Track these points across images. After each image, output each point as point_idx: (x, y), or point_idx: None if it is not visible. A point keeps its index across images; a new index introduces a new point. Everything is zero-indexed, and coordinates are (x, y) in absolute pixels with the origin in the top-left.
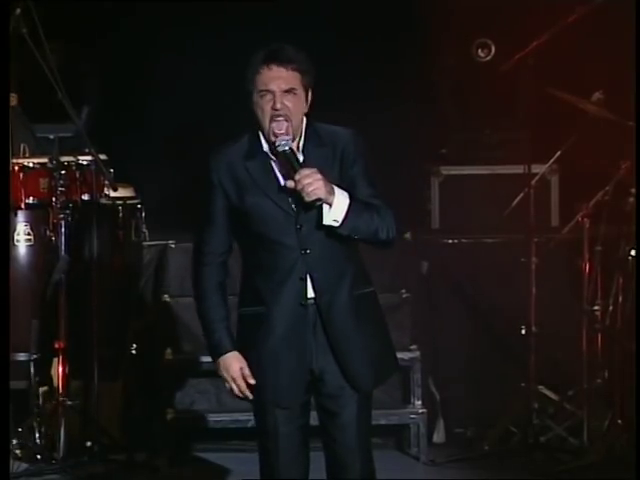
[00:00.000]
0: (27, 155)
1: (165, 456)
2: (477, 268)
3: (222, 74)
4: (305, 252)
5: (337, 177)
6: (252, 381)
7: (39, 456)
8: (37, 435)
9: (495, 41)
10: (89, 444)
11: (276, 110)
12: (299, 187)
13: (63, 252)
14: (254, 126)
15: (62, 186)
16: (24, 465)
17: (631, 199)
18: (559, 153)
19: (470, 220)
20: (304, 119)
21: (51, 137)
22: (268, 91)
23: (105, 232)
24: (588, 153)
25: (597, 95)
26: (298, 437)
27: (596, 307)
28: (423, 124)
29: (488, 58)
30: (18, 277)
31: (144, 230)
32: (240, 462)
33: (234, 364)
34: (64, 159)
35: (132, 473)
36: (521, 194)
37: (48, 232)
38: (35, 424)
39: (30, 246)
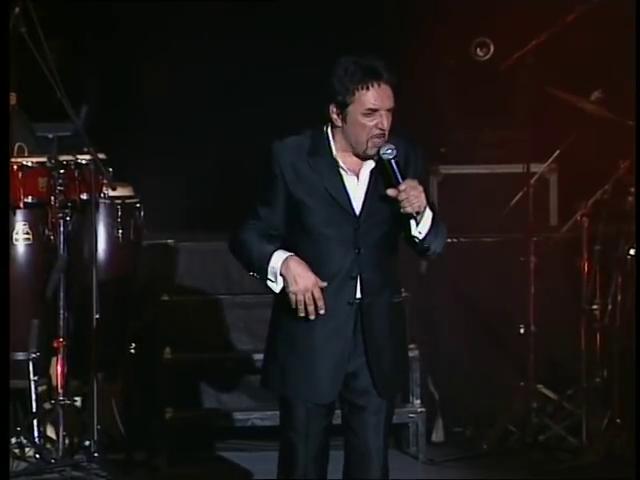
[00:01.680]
0: (26, 154)
1: (164, 455)
2: (476, 267)
3: (222, 73)
4: (358, 252)
5: None
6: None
7: (38, 455)
8: (36, 434)
9: (494, 40)
10: (88, 443)
11: (382, 130)
12: (403, 196)
13: (62, 251)
14: (319, 125)
15: (61, 185)
16: (23, 464)
17: (630, 198)
18: (558, 152)
19: (469, 219)
20: None
21: (50, 136)
22: (376, 108)
23: (104, 231)
24: (587, 152)
25: (596, 94)
26: (321, 437)
27: (595, 306)
28: (422, 123)
29: (487, 57)
30: (17, 276)
31: (143, 229)
32: (240, 461)
33: (301, 265)
34: (63, 158)
35: (131, 472)
36: (520, 193)
37: (47, 231)
38: (34, 423)
39: (29, 245)
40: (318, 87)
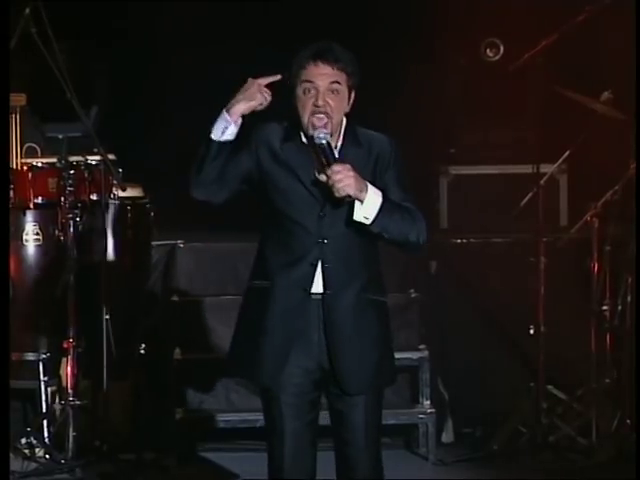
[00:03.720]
0: (39, 155)
1: (174, 456)
2: (486, 268)
3: (232, 74)
4: (322, 241)
5: (370, 179)
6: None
7: (48, 456)
8: (46, 435)
9: (504, 41)
10: (98, 444)
11: (317, 107)
12: (330, 182)
13: (72, 252)
14: (293, 115)
15: (71, 186)
16: (33, 465)
17: None
18: (568, 153)
19: (479, 220)
20: (344, 119)
21: (60, 137)
22: (312, 86)
23: (114, 232)
24: (597, 153)
25: (606, 94)
26: (305, 434)
27: (605, 307)
28: (432, 124)
29: (497, 58)
30: (27, 277)
31: (153, 230)
32: (249, 462)
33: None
34: (73, 159)
35: (141, 473)
36: (530, 194)
37: (57, 232)
38: (44, 424)
39: (39, 246)
40: None
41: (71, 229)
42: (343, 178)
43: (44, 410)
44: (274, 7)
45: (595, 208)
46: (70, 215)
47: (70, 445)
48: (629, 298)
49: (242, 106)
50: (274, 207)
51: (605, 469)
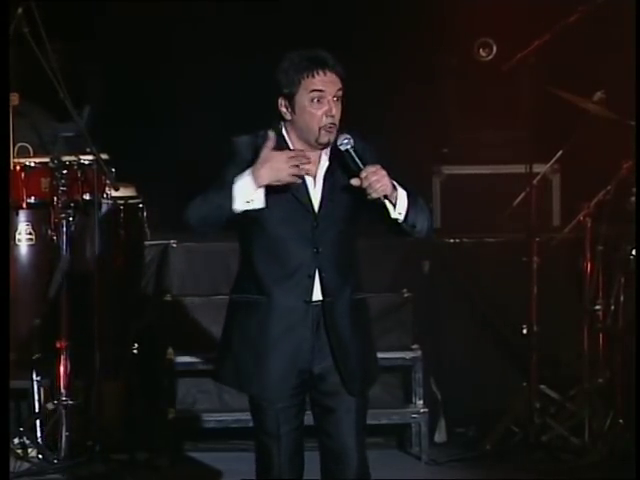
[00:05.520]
0: (31, 154)
1: (166, 456)
2: (478, 268)
3: (224, 74)
4: (317, 251)
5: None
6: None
7: (40, 456)
8: (38, 435)
9: (497, 40)
10: (90, 444)
11: (332, 116)
12: (366, 184)
13: (64, 252)
14: (275, 124)
15: (64, 186)
16: (26, 465)
17: (632, 199)
18: (561, 152)
19: (471, 220)
20: None
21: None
22: (321, 95)
23: (106, 232)
24: (590, 152)
25: (599, 94)
26: (294, 437)
27: (597, 307)
28: (424, 124)
29: (490, 57)
30: (19, 277)
31: (146, 230)
32: (241, 461)
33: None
34: (66, 158)
35: (133, 473)
36: (523, 194)
37: (49, 232)
38: (37, 424)
39: (31, 246)
40: None
41: (64, 229)
42: (379, 179)
43: (37, 410)
44: (266, 9)
45: (588, 208)
46: (63, 215)
47: (63, 445)
48: (622, 298)
49: (268, 181)
50: (264, 222)
51: (598, 469)
